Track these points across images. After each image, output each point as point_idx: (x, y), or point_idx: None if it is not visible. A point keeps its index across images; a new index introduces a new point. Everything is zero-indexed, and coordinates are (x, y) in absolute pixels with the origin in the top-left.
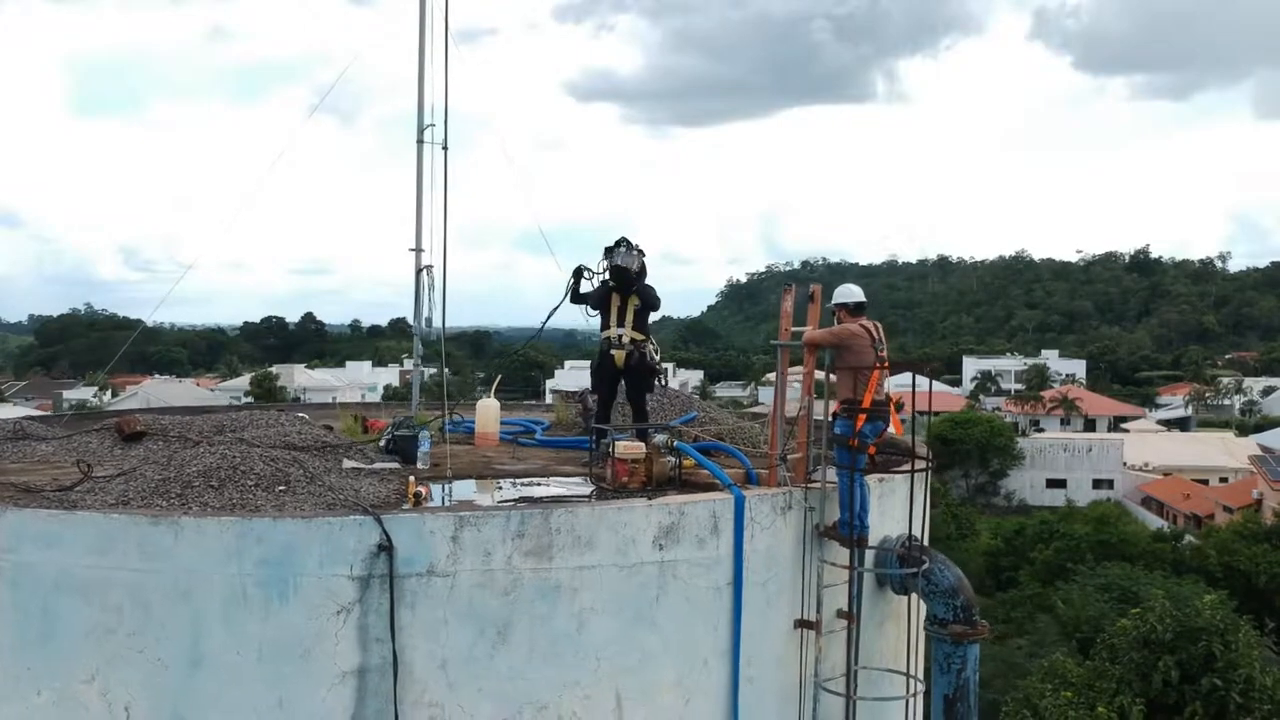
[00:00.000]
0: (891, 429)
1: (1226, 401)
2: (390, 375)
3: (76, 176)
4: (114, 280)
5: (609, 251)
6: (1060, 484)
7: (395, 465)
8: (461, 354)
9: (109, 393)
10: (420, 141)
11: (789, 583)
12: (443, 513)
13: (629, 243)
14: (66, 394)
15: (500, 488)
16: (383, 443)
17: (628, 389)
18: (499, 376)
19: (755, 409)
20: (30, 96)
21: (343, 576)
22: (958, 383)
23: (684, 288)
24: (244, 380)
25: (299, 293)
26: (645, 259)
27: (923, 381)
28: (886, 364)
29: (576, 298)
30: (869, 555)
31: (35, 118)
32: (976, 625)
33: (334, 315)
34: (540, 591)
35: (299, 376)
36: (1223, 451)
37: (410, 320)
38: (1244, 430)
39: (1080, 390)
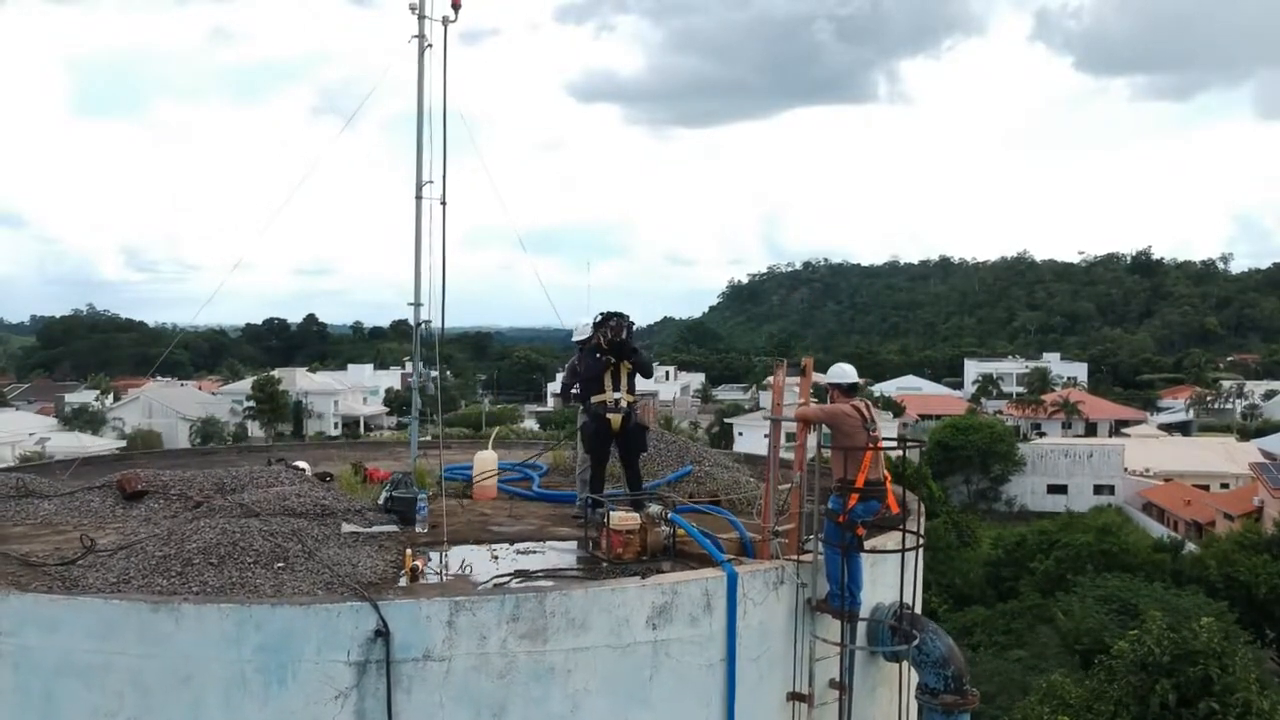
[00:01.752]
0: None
1: (1228, 405)
2: (392, 378)
3: (79, 177)
4: (116, 281)
5: (598, 326)
6: (1061, 490)
7: (393, 528)
8: (463, 355)
9: (111, 396)
10: (419, 198)
11: (781, 656)
12: (438, 597)
13: (618, 315)
14: (69, 396)
15: (496, 556)
16: (381, 501)
17: (622, 452)
18: (496, 429)
19: (755, 414)
20: (32, 97)
21: (340, 662)
22: (959, 385)
23: (685, 288)
24: (246, 384)
25: (301, 293)
26: (634, 327)
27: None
28: (879, 444)
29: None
30: (861, 627)
31: (37, 118)
32: (967, 695)
33: (336, 316)
34: (535, 674)
35: (301, 380)
36: (1224, 456)
37: (410, 321)
38: (1245, 434)
39: (1082, 393)
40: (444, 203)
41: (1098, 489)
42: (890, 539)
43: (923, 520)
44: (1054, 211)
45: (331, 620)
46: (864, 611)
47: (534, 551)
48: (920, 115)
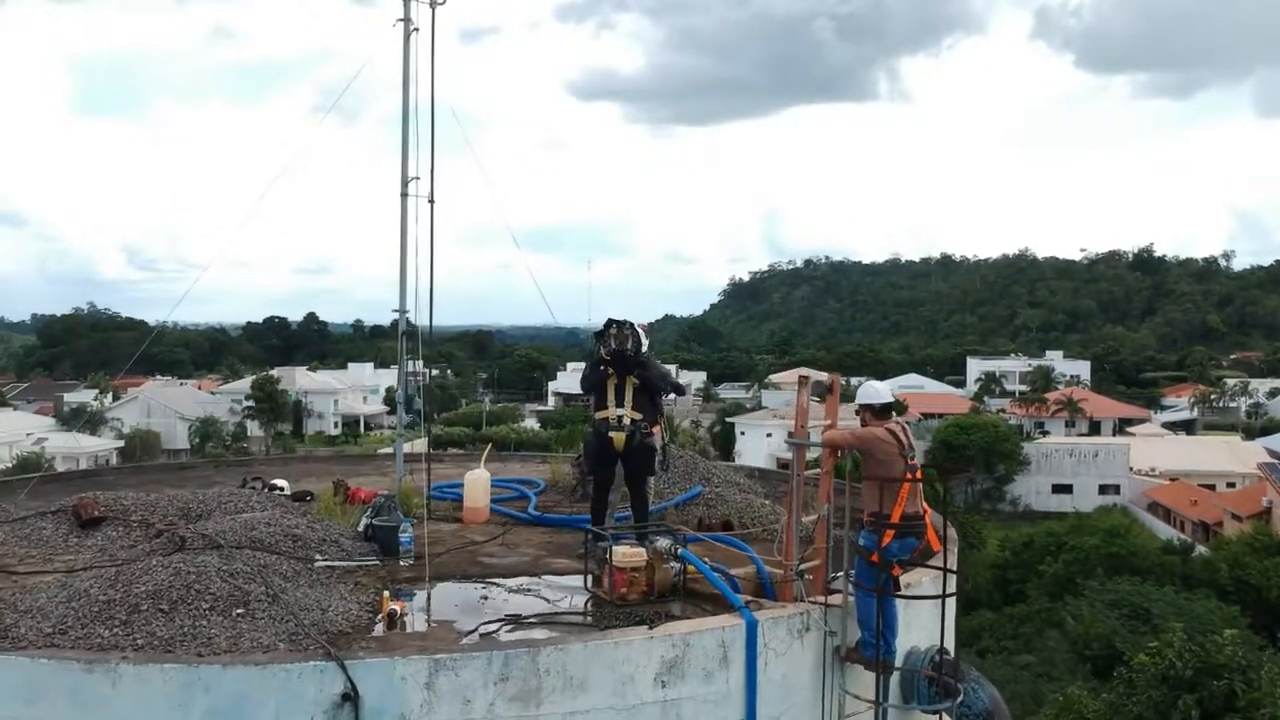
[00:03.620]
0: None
1: (1232, 404)
2: (392, 377)
3: (80, 176)
4: (117, 279)
5: (600, 336)
6: (1066, 489)
7: (374, 560)
8: (463, 354)
9: (110, 395)
10: (404, 195)
11: (807, 713)
12: (415, 655)
13: (619, 323)
14: (68, 396)
15: (486, 597)
16: (361, 527)
17: (627, 474)
18: (489, 444)
19: (757, 413)
20: (33, 96)
21: None
22: (961, 384)
23: (686, 286)
24: (245, 383)
25: (301, 292)
26: (643, 337)
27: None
28: (919, 474)
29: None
30: (894, 677)
31: (38, 117)
32: None
33: (337, 315)
34: None
35: (300, 379)
36: (1229, 455)
37: (413, 319)
38: (1250, 433)
39: (1085, 392)
40: (432, 201)
41: (1103, 489)
42: (925, 577)
43: (956, 554)
44: (1055, 209)
45: (292, 682)
46: (898, 659)
47: (528, 590)
48: (921, 113)
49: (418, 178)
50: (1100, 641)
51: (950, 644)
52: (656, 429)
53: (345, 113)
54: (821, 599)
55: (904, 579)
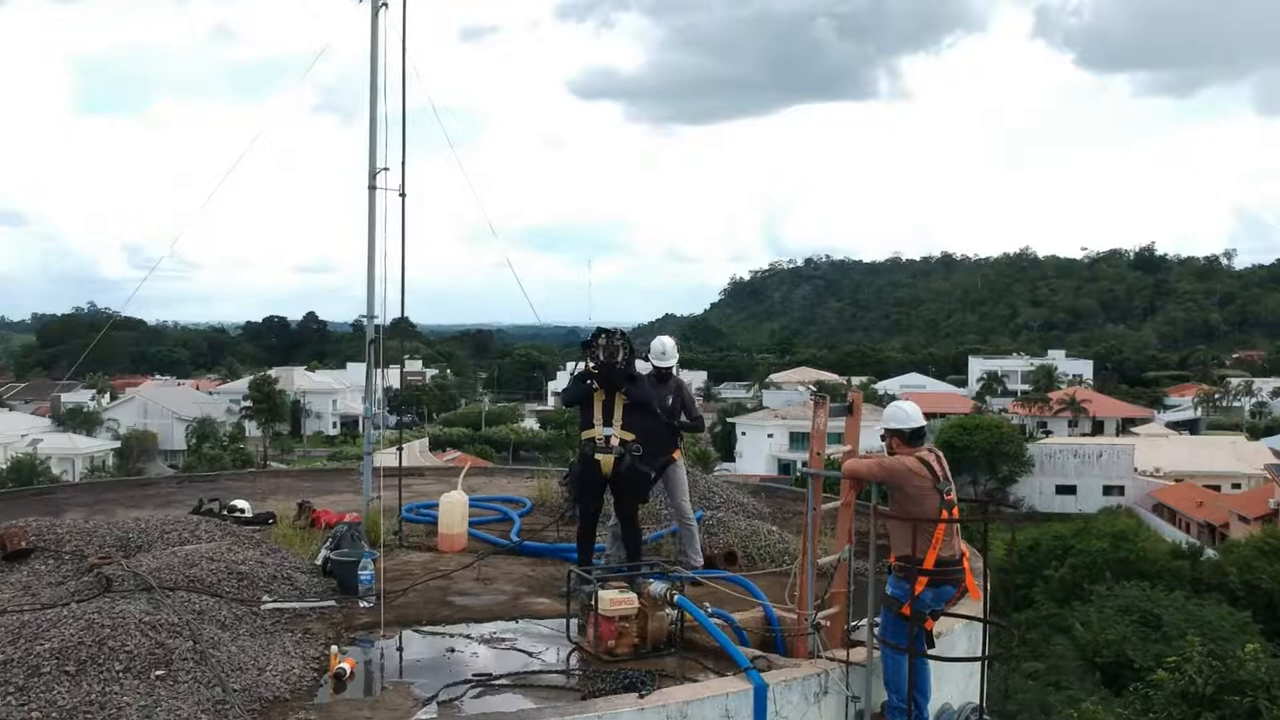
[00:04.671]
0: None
1: (1236, 403)
2: (391, 377)
3: (80, 175)
4: (118, 279)
5: (587, 346)
6: (1070, 490)
7: (330, 601)
8: (463, 354)
9: (107, 395)
10: (372, 188)
11: None
12: None
13: (609, 332)
14: (65, 396)
15: (453, 650)
16: (319, 560)
17: (617, 501)
18: (467, 466)
19: (758, 413)
20: (34, 95)
21: None
22: (963, 383)
23: (687, 286)
24: (243, 383)
25: (301, 291)
26: (633, 349)
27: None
28: (956, 510)
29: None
30: None
31: (39, 117)
32: None
33: (337, 314)
34: None
35: (299, 379)
36: (1234, 455)
37: (413, 319)
38: (1255, 433)
39: (1088, 391)
40: (403, 195)
41: (1107, 490)
42: (957, 625)
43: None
44: (1056, 208)
45: None
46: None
47: (503, 639)
48: (921, 112)
49: (387, 168)
50: (1110, 649)
51: (986, 701)
52: (677, 454)
53: (345, 112)
54: (842, 655)
55: (935, 627)
